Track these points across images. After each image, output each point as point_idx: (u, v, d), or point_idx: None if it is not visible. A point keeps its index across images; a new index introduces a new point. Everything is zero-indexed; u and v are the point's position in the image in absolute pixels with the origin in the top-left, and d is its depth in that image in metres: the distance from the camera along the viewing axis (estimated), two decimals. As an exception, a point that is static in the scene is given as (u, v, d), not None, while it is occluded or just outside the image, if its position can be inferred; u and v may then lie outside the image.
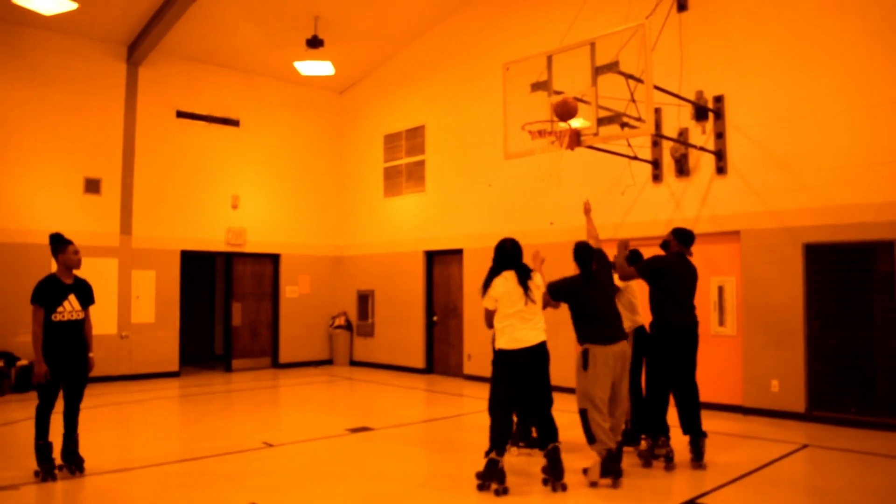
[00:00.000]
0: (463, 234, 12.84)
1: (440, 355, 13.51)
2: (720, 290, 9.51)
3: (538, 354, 5.67)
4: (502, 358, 5.68)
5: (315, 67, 12.73)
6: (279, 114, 15.03)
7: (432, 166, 13.74)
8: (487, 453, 5.60)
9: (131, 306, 12.80)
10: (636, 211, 10.42)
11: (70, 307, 6.17)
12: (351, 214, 15.70)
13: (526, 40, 11.60)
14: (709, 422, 6.75)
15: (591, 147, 8.68)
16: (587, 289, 6.14)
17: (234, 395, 11.33)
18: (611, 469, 5.74)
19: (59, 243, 6.25)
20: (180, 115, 13.61)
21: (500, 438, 5.62)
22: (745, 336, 9.19)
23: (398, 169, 14.44)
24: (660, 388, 6.44)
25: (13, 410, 9.72)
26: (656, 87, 8.22)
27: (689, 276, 6.67)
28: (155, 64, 13.21)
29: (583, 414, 5.84)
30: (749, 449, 7.16)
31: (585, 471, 5.91)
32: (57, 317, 6.08)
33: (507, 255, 5.91)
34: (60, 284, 6.18)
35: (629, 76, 8.16)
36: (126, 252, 12.80)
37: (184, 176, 13.61)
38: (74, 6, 10.20)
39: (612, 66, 7.90)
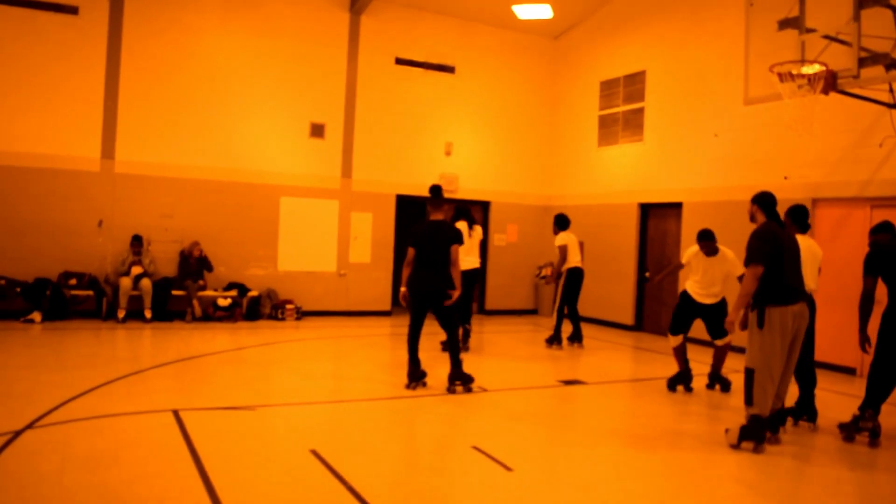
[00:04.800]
0: (683, 187, 12.10)
1: (650, 313, 12.98)
2: None
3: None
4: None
5: (533, 11, 12.41)
6: (493, 60, 14.90)
7: (652, 114, 12.99)
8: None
9: (349, 247, 13.43)
10: (889, 167, 9.20)
11: None
12: (562, 164, 15.34)
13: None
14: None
15: (843, 92, 7.72)
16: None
17: (441, 338, 11.52)
18: (752, 434, 5.63)
19: (444, 197, 7.82)
20: (399, 62, 13.89)
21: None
22: None
23: (614, 117, 13.83)
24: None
25: (245, 336, 10.57)
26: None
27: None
28: (375, 12, 13.52)
29: (749, 373, 5.69)
30: None
31: (727, 431, 5.88)
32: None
33: (462, 211, 9.91)
34: None
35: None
36: (346, 194, 13.41)
37: (400, 122, 13.94)
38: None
39: (880, -1, 6.91)
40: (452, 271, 7.24)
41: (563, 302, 10.71)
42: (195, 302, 11.56)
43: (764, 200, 5.87)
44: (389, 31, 13.75)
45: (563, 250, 10.54)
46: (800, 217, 6.45)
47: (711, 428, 6.36)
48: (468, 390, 7.24)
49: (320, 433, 5.78)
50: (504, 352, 10.49)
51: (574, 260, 10.56)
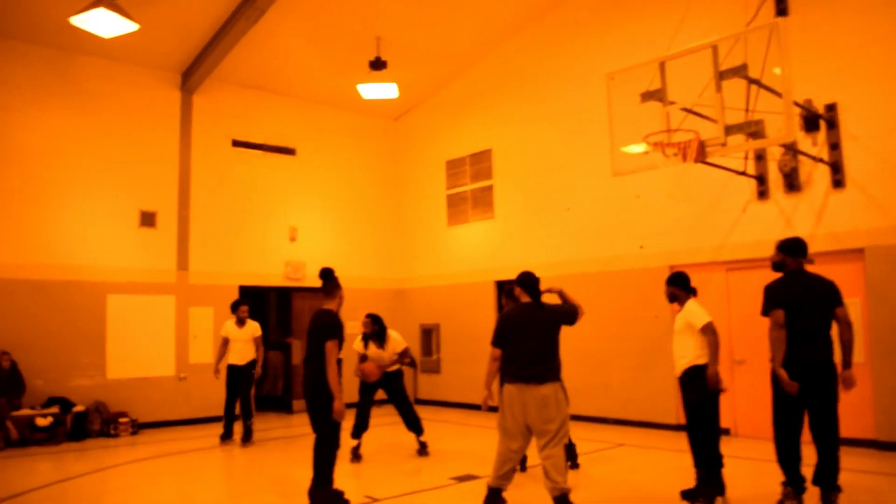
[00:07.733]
0: (539, 262, 12.01)
1: (514, 391, 12.68)
2: (843, 313, 8.71)
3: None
4: None
5: (379, 90, 12.12)
6: (335, 142, 14.44)
7: (501, 191, 13.04)
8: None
9: (189, 346, 12.10)
10: (739, 231, 9.68)
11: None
12: (412, 245, 14.99)
13: (604, 54, 11.03)
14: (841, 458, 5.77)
15: (703, 162, 7.97)
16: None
17: (300, 440, 10.44)
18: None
19: (337, 282, 6.41)
20: (236, 143, 13.05)
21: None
22: (875, 363, 8.38)
23: (463, 196, 13.75)
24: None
25: (71, 462, 8.96)
26: (768, 90, 7.55)
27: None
28: (209, 91, 12.67)
29: None
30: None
31: None
32: (340, 354, 6.12)
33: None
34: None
35: (753, 81, 7.51)
36: (183, 288, 12.14)
37: (240, 207, 12.99)
38: (136, 27, 9.57)
39: (739, 70, 7.24)
40: (327, 372, 6.00)
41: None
42: (9, 424, 9.72)
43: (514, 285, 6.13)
44: (225, 112, 12.91)
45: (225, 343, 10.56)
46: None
47: None
48: None
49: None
50: (377, 450, 9.67)
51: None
